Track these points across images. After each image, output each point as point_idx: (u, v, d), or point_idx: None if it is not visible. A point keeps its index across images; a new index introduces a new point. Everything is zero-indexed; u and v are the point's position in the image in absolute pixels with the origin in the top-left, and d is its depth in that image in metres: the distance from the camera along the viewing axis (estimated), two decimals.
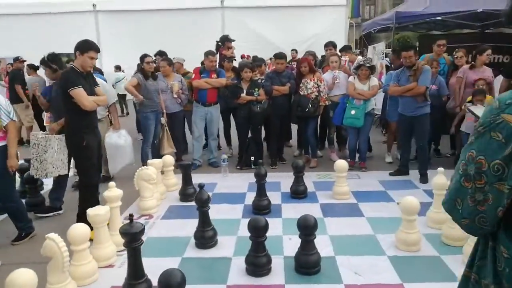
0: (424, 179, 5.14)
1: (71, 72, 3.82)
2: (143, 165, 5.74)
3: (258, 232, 3.04)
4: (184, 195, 4.76)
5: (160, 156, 5.70)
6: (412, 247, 3.35)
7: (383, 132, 8.00)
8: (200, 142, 6.21)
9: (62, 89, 3.80)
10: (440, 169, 3.78)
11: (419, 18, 8.07)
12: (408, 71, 5.07)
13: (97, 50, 3.80)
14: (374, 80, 5.58)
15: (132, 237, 2.72)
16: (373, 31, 9.88)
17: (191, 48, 9.35)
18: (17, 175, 4.68)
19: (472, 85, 5.49)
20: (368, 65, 5.53)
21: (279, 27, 14.44)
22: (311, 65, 5.93)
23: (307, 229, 3.05)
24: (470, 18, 8.23)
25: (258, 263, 3.06)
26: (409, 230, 3.36)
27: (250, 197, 4.73)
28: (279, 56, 6.02)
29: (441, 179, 3.73)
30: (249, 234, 3.71)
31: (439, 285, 2.88)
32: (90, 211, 3.24)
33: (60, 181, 4.51)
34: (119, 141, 5.25)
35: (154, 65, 5.75)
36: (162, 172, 5.10)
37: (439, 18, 7.87)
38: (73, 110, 3.78)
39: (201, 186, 3.57)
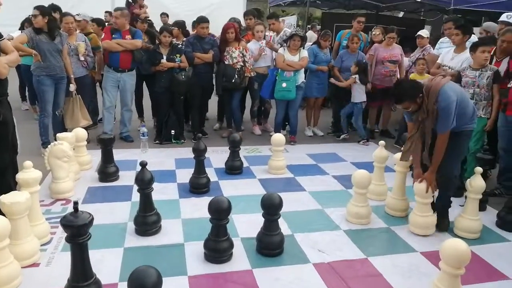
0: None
1: None
2: (42, 140, 4.90)
3: (220, 214, 2.73)
4: (104, 174, 4.14)
5: (64, 130, 4.90)
6: (363, 220, 3.40)
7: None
8: (111, 113, 5.47)
9: None
10: (381, 142, 3.89)
11: None
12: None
13: None
14: (304, 52, 5.50)
15: (79, 231, 2.19)
16: (282, 4, 9.85)
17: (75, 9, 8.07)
18: None
19: (381, 62, 5.82)
20: (301, 34, 5.41)
21: None
22: (237, 32, 5.59)
23: (272, 208, 2.84)
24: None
25: (220, 248, 2.77)
26: (361, 203, 3.40)
27: (181, 175, 4.36)
28: (203, 19, 5.52)
29: (382, 152, 3.85)
30: (194, 216, 3.45)
31: (400, 256, 2.95)
32: (5, 199, 2.54)
33: None
34: None
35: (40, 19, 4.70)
36: (73, 148, 4.35)
37: None
38: None
39: (143, 164, 3.08)
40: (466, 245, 2.27)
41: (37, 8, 4.63)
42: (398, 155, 3.59)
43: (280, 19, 9.67)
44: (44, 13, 4.61)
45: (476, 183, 3.19)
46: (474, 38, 4.99)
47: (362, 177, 3.35)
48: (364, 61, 5.77)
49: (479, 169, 3.22)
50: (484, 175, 3.37)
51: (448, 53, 4.86)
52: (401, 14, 11.47)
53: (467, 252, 2.24)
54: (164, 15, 9.33)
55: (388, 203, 3.65)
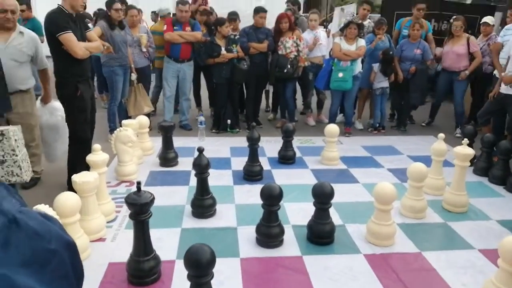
0: None
1: (59, 13, 3.30)
2: (110, 126, 5.25)
3: (272, 200, 2.80)
4: (165, 160, 4.37)
5: (128, 117, 5.21)
6: (419, 214, 3.32)
7: None
8: (171, 102, 5.74)
9: (49, 33, 3.34)
10: (441, 135, 3.75)
11: None
12: None
13: None
14: (361, 41, 5.39)
15: (141, 208, 2.36)
16: None
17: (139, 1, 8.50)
18: None
19: None
20: (356, 22, 5.31)
21: None
22: (291, 22, 5.60)
23: (323, 196, 2.87)
24: None
25: (271, 233, 2.85)
26: (417, 196, 3.32)
27: (236, 163, 4.48)
28: (262, 9, 5.60)
29: (441, 145, 3.71)
30: (247, 202, 3.56)
31: (457, 252, 2.87)
32: (77, 178, 2.79)
33: None
34: (51, 119, 3.90)
35: (122, 13, 5.07)
36: (137, 135, 4.62)
37: None
38: (63, 57, 3.36)
39: (200, 150, 3.23)
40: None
41: (121, 1, 5.14)
42: (458, 148, 3.45)
43: (339, 7, 9.47)
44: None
45: None
46: None
47: (418, 170, 3.24)
48: (391, 52, 5.58)
49: None
50: None
51: None
52: (469, 1, 10.80)
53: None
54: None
55: (446, 198, 3.53)
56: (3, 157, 3.11)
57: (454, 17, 5.81)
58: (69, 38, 3.30)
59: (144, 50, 5.59)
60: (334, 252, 2.85)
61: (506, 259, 2.19)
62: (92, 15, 7.20)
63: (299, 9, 6.38)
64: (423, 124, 6.37)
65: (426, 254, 2.83)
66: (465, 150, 3.41)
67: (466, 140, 3.49)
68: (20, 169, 3.27)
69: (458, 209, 3.45)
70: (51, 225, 0.61)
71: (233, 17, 6.05)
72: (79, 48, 3.38)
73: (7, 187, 0.57)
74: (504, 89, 4.55)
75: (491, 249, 2.84)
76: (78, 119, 3.61)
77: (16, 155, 3.21)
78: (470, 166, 4.21)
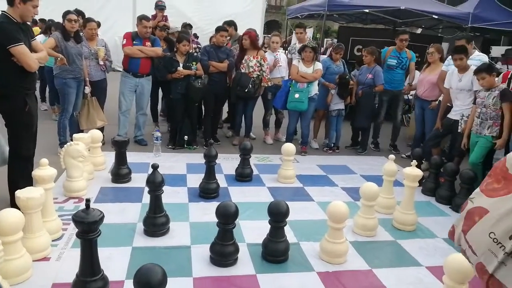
0: None
1: (7, 23, 3.10)
2: (60, 140, 5.04)
3: (227, 219, 2.78)
4: (117, 176, 4.23)
5: (80, 131, 5.03)
6: (370, 232, 3.41)
7: None
8: (127, 117, 5.60)
9: None
10: (391, 156, 3.90)
11: (349, 8, 8.30)
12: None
13: None
14: (318, 64, 5.55)
15: (89, 227, 2.26)
16: (300, 16, 9.94)
17: (97, 15, 8.30)
18: None
19: None
20: (311, 46, 5.47)
21: (196, 1, 14.21)
22: (253, 39, 5.65)
23: (279, 215, 2.88)
24: (392, 15, 8.69)
25: (225, 252, 2.81)
26: (368, 215, 3.41)
27: (192, 179, 4.42)
28: (224, 28, 5.64)
29: (392, 166, 3.85)
30: (202, 220, 3.50)
31: (405, 269, 2.96)
32: (21, 194, 2.63)
33: None
34: None
35: (77, 24, 4.92)
36: (88, 149, 4.46)
37: (366, 10, 8.18)
38: (10, 69, 3.13)
39: (154, 166, 3.16)
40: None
41: (78, 13, 5.02)
42: (408, 169, 3.59)
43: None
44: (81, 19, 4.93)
45: None
46: (485, 57, 5.00)
47: (370, 189, 3.34)
48: (347, 76, 5.85)
49: None
50: None
51: (453, 75, 4.77)
52: (419, 31, 11.45)
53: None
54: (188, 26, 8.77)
55: (396, 216, 3.65)
56: None
57: (430, 45, 5.81)
58: (22, 51, 3.12)
59: (101, 63, 5.45)
60: (288, 270, 2.85)
61: (450, 276, 2.29)
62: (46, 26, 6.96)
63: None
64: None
65: (377, 271, 2.90)
66: (414, 171, 3.55)
67: (414, 162, 3.65)
68: None
69: (407, 227, 3.57)
70: None
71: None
72: (32, 61, 3.21)
73: None
74: (452, 115, 4.80)
75: (437, 266, 2.95)
76: (23, 135, 3.36)
77: None
78: (418, 186, 4.40)
